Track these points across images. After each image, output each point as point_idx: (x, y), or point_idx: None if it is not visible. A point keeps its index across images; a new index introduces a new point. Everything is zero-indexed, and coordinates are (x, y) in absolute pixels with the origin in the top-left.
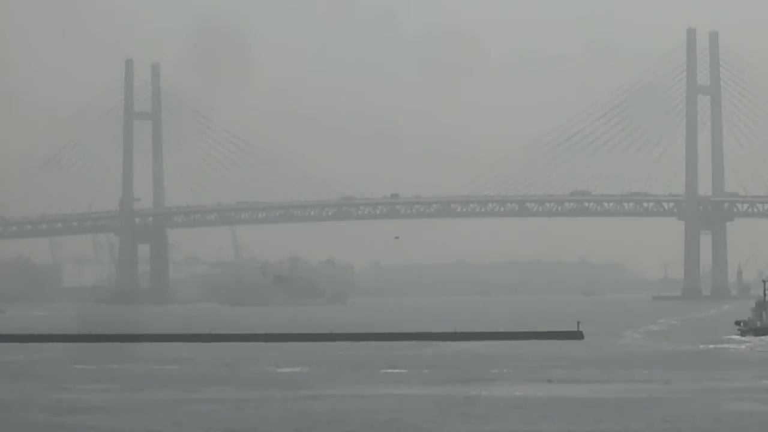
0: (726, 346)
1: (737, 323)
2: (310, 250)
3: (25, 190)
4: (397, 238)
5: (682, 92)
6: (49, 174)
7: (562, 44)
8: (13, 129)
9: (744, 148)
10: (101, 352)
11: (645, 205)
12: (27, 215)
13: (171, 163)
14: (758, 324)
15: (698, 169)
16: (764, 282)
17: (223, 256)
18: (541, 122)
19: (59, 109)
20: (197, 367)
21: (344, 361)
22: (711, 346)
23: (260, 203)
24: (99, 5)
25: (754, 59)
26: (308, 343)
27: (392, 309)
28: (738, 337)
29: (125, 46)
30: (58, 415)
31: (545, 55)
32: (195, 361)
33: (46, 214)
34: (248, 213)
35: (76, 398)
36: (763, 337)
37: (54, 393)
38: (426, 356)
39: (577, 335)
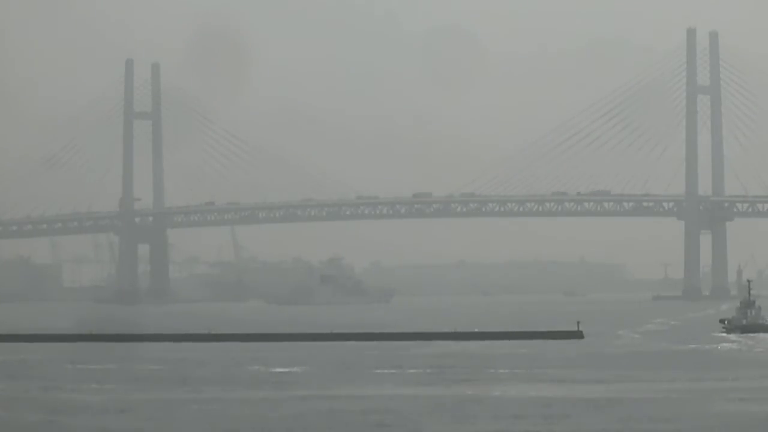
0: (718, 345)
1: (722, 321)
2: (309, 250)
3: (25, 190)
4: None
5: (682, 92)
6: (49, 174)
7: (562, 44)
8: (13, 129)
9: (744, 148)
10: (101, 352)
11: (645, 205)
12: (27, 215)
13: (171, 163)
14: (744, 322)
15: (698, 169)
16: (748, 282)
17: (223, 256)
18: (542, 122)
19: (59, 109)
20: (197, 367)
21: (344, 361)
22: (700, 345)
23: (260, 203)
24: (99, 5)
25: (754, 59)
26: (308, 343)
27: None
28: (723, 334)
29: (125, 46)
30: (57, 415)
31: (545, 54)
32: (195, 361)
33: (46, 214)
34: (248, 213)
35: (75, 398)
36: (751, 335)
37: (53, 393)
38: (426, 356)
39: (578, 335)
